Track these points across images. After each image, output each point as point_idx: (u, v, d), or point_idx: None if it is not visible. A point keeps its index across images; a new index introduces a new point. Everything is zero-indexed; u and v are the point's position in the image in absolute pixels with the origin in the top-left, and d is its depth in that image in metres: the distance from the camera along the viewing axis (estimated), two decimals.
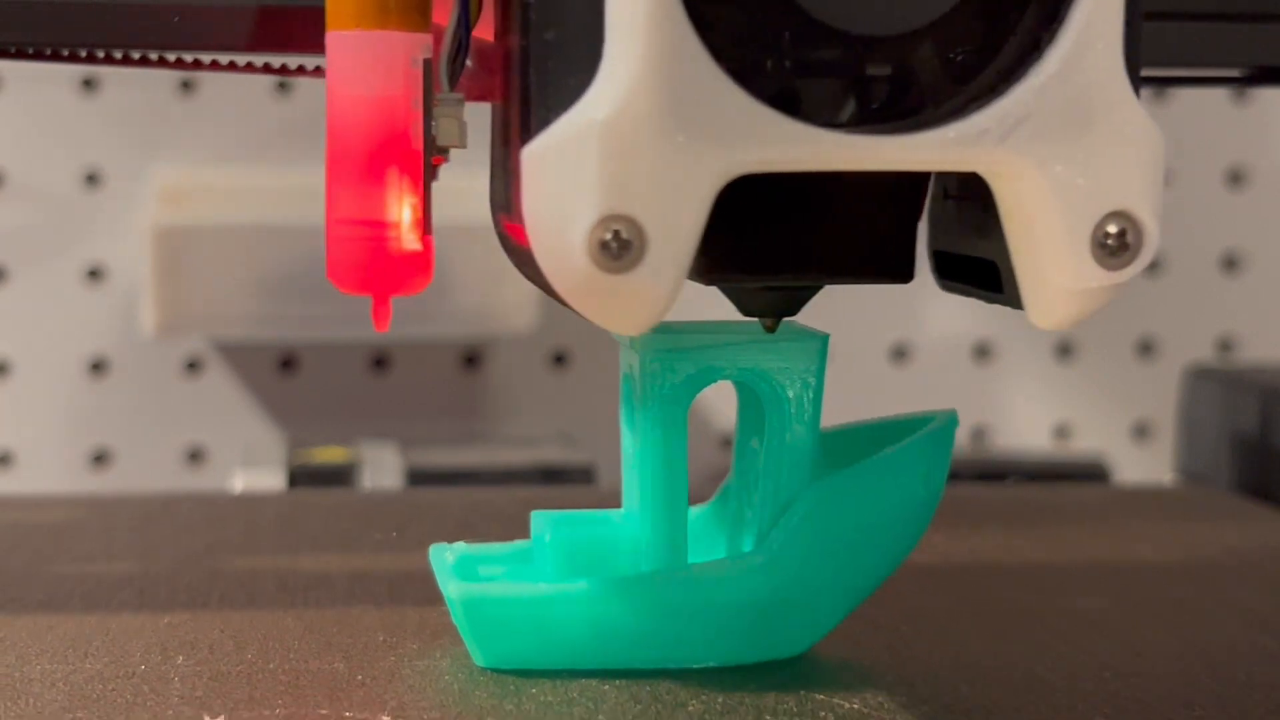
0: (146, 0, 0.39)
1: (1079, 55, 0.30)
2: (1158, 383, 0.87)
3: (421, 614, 0.41)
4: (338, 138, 0.34)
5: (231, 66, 0.41)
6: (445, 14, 0.34)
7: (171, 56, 0.41)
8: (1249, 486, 0.65)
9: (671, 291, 0.30)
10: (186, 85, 0.82)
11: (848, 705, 0.36)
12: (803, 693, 0.36)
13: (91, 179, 0.82)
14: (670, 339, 0.37)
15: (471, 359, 0.85)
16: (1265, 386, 0.65)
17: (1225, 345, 0.88)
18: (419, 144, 0.34)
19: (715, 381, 0.37)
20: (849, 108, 0.31)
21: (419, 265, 0.35)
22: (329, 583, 0.45)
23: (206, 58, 0.41)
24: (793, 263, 0.34)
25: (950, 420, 0.38)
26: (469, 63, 0.35)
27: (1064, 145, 0.30)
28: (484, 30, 0.35)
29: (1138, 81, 0.31)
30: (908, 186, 0.35)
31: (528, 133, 0.31)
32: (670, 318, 0.38)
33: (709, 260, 0.33)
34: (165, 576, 0.45)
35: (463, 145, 0.35)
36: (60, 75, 0.80)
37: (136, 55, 0.40)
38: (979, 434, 0.87)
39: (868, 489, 0.38)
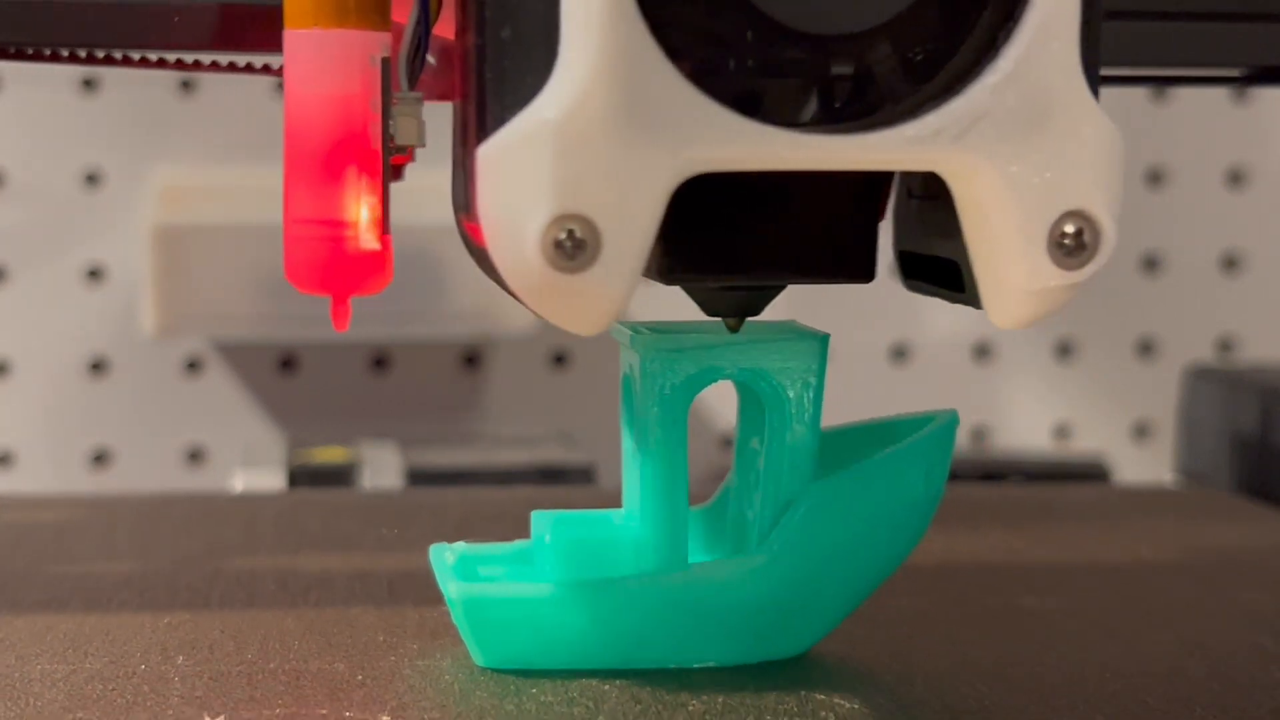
0: (146, 0, 0.39)
1: (1035, 55, 0.30)
2: (1158, 383, 0.87)
3: (421, 614, 0.41)
4: (295, 137, 0.34)
5: (232, 67, 0.41)
6: (405, 12, 0.34)
7: (171, 57, 0.41)
8: (1249, 486, 0.65)
9: (626, 291, 0.30)
10: (186, 85, 0.82)
11: (848, 705, 0.35)
12: (803, 693, 0.36)
13: (91, 179, 0.82)
14: (670, 339, 0.37)
15: (471, 359, 0.85)
16: (1265, 386, 0.65)
17: (1225, 345, 0.88)
18: (377, 143, 0.34)
19: (716, 381, 0.37)
20: (804, 107, 0.31)
21: (378, 265, 0.35)
22: (329, 583, 0.45)
23: (206, 58, 0.41)
24: (753, 262, 0.34)
25: (951, 420, 0.38)
26: (431, 61, 0.35)
27: (1020, 145, 0.30)
28: (446, 29, 0.35)
29: (1096, 81, 0.31)
30: (869, 186, 0.34)
31: (483, 132, 0.31)
32: (670, 318, 0.38)
33: (669, 260, 0.33)
34: (165, 576, 0.45)
35: (421, 144, 0.34)
36: (60, 75, 0.80)
37: (137, 55, 0.40)
38: (979, 434, 0.87)
39: (868, 489, 0.37)
